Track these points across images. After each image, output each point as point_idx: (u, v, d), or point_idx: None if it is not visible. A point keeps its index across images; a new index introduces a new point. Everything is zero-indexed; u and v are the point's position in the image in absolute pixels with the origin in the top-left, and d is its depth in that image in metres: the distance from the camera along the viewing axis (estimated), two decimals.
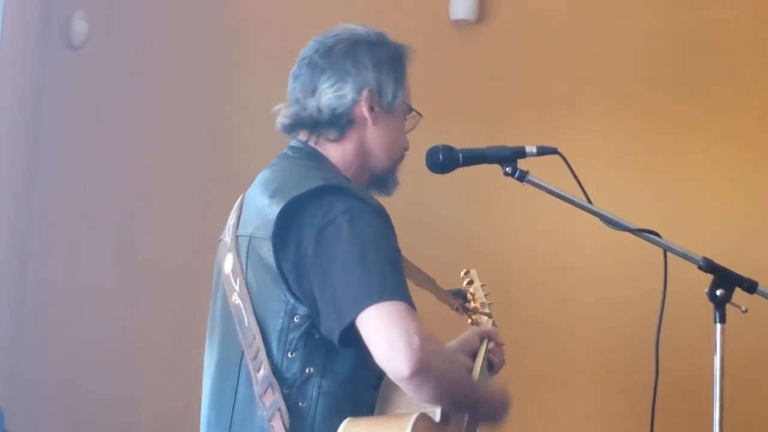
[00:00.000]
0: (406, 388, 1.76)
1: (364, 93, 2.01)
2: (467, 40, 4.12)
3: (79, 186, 4.08)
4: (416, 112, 2.11)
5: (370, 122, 2.03)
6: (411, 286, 2.13)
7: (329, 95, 2.00)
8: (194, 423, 2.05)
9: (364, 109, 2.02)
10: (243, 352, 1.87)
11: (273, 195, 1.89)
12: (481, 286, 2.54)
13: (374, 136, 2.04)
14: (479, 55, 4.12)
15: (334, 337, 1.78)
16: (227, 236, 2.01)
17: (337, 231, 1.80)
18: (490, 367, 2.33)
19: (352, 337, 1.77)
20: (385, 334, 1.72)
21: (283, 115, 2.06)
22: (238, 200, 2.06)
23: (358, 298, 1.74)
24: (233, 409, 1.89)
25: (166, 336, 3.99)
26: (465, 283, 2.54)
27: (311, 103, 2.01)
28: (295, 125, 2.04)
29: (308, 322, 1.83)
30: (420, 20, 4.08)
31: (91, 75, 4.13)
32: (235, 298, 1.91)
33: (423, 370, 1.71)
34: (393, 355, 1.71)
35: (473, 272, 2.58)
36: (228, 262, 1.96)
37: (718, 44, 4.04)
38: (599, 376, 3.93)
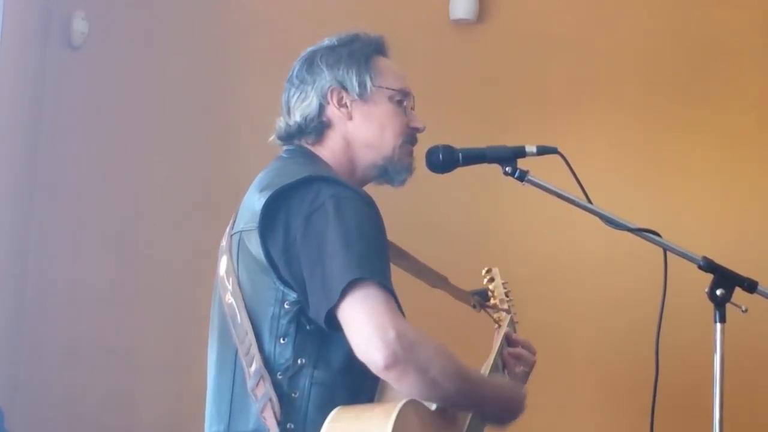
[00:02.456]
0: (386, 380, 1.80)
1: (328, 94, 2.07)
2: (467, 40, 4.12)
3: (79, 185, 4.08)
4: (398, 90, 2.10)
5: (346, 118, 2.07)
6: (426, 288, 2.16)
7: (298, 107, 2.09)
8: (194, 423, 2.06)
9: (334, 108, 2.07)
10: (237, 350, 1.92)
11: (261, 190, 1.94)
12: (503, 283, 2.55)
13: (357, 129, 2.07)
14: (479, 54, 4.12)
15: (321, 318, 1.81)
16: (223, 240, 2.06)
17: (324, 215, 1.84)
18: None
19: (338, 322, 1.80)
20: (360, 326, 1.76)
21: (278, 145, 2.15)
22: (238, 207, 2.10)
23: (341, 276, 1.78)
24: (231, 404, 1.94)
25: (165, 336, 3.99)
26: (486, 280, 2.54)
27: (288, 121, 2.10)
28: (283, 143, 2.13)
29: (297, 308, 1.87)
30: (420, 20, 4.08)
31: (91, 75, 4.13)
32: (228, 298, 1.96)
33: (398, 362, 1.74)
34: (368, 348, 1.75)
35: (495, 270, 2.58)
36: (222, 264, 2.02)
37: (718, 45, 4.05)
38: (599, 376, 3.93)
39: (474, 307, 2.42)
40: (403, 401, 1.77)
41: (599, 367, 3.94)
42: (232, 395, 1.94)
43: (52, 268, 4.02)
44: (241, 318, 1.92)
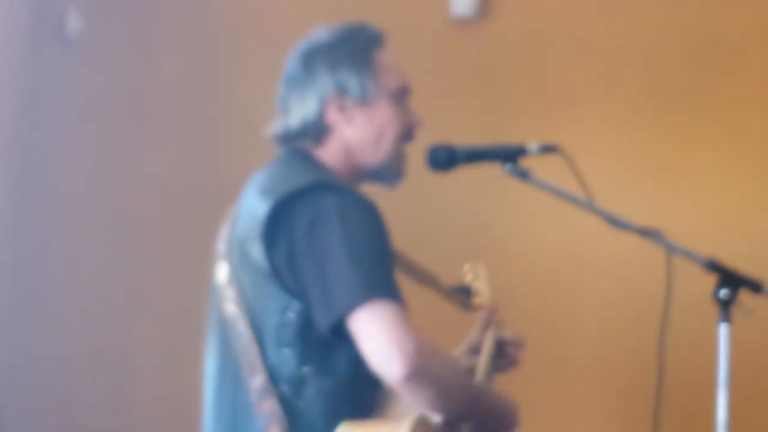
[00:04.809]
0: (401, 392, 1.79)
1: (328, 99, 2.02)
2: (467, 38, 4.10)
3: (73, 184, 4.07)
4: (399, 89, 2.07)
5: (346, 123, 2.03)
6: (414, 287, 2.13)
7: (298, 110, 2.04)
8: (190, 426, 2.04)
9: (334, 113, 2.03)
10: (239, 361, 1.89)
11: (262, 194, 1.92)
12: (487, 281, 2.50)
13: (356, 134, 2.04)
14: (480, 52, 4.11)
15: (325, 328, 1.81)
16: (221, 244, 2.03)
17: (328, 225, 1.83)
18: (503, 356, 2.27)
19: (344, 332, 1.79)
20: (378, 338, 1.76)
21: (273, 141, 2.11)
22: (234, 207, 2.07)
23: (348, 293, 1.78)
24: (234, 416, 1.91)
25: (161, 338, 3.98)
26: (469, 277, 2.49)
27: (287, 122, 2.06)
28: (280, 143, 2.08)
29: (303, 318, 1.85)
30: (420, 17, 4.07)
31: (85, 71, 4.12)
32: (230, 307, 1.93)
33: (417, 374, 1.74)
34: (387, 360, 1.74)
35: (480, 267, 2.52)
36: (222, 271, 1.98)
37: (721, 43, 4.03)
38: (602, 377, 3.92)
39: (466, 307, 2.38)
40: (413, 416, 1.76)
41: (602, 368, 3.92)
42: (234, 409, 1.90)
43: (46, 269, 4.01)
44: (241, 327, 1.89)
